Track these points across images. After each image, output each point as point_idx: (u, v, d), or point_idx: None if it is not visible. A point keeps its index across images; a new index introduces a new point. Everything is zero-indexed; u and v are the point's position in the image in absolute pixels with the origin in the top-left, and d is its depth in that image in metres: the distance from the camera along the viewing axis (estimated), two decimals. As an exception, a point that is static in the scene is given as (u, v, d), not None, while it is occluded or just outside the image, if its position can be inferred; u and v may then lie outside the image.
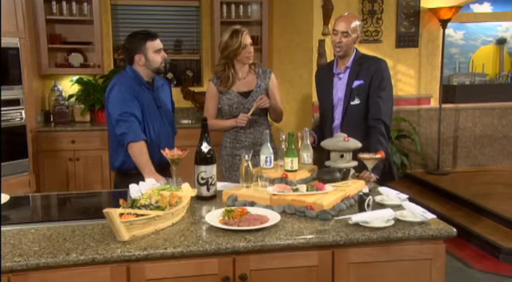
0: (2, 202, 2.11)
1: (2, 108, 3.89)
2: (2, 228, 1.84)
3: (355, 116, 2.73)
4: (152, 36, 2.61)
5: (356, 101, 2.72)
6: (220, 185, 2.32)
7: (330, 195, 2.07)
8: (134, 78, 2.64)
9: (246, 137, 3.02)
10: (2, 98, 3.89)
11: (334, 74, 2.81)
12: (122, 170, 2.68)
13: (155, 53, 2.60)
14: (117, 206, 1.82)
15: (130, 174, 2.56)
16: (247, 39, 2.92)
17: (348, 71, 2.76)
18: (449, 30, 5.48)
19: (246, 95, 2.99)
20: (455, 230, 1.84)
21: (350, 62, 2.76)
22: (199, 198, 2.18)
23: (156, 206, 1.84)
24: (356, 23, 2.69)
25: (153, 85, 2.71)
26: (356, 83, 2.72)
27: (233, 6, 5.00)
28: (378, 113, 2.66)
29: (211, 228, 1.82)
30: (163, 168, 2.53)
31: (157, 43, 2.61)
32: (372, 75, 2.70)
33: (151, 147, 2.55)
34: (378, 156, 2.26)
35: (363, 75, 2.72)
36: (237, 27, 2.97)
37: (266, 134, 2.38)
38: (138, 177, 2.35)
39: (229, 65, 2.97)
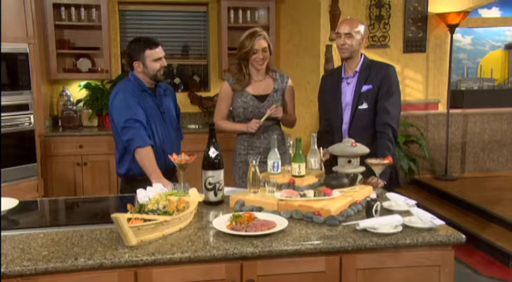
0: (10, 207, 2.13)
1: (11, 114, 3.94)
2: (11, 233, 1.86)
3: (363, 120, 2.73)
4: (152, 44, 2.60)
5: (364, 105, 2.72)
6: (227, 190, 2.33)
7: (338, 200, 2.07)
8: (136, 85, 2.65)
9: (260, 143, 2.99)
10: (12, 103, 3.93)
11: (343, 79, 2.82)
12: (127, 177, 2.69)
13: (154, 61, 2.60)
14: (125, 211, 1.83)
15: (136, 180, 2.57)
16: (260, 44, 2.87)
17: (357, 75, 2.76)
18: (457, 35, 5.47)
19: (262, 98, 2.96)
20: (464, 236, 1.84)
21: (359, 66, 2.76)
22: (206, 204, 2.19)
23: (163, 211, 1.84)
24: (359, 26, 2.70)
25: (156, 91, 2.72)
26: (365, 87, 2.72)
27: (240, 11, 5.02)
28: (386, 118, 2.66)
29: (219, 234, 1.83)
30: (168, 173, 2.54)
31: (157, 52, 2.60)
32: (380, 80, 2.70)
33: (156, 152, 2.55)
34: (386, 161, 2.25)
35: (371, 80, 2.72)
36: (257, 29, 2.95)
37: (274, 140, 2.38)
38: (144, 182, 2.35)
39: (244, 65, 2.95)
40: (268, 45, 2.93)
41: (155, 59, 2.59)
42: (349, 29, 2.67)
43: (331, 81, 2.89)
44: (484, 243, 3.96)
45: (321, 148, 2.47)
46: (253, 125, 2.90)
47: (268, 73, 3.02)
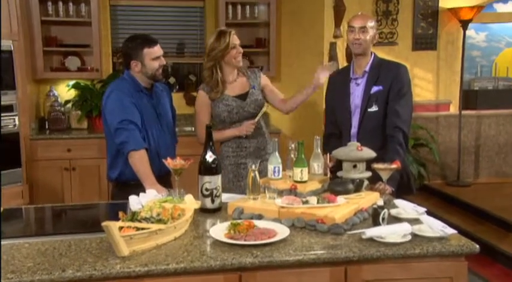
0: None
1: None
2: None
3: (372, 123, 2.73)
4: (150, 42, 2.62)
5: (374, 108, 2.72)
6: (225, 197, 2.34)
7: (342, 208, 2.08)
8: (132, 84, 2.67)
9: (249, 143, 3.02)
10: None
11: (351, 79, 2.82)
12: (119, 181, 2.70)
13: (152, 60, 2.62)
14: (116, 218, 1.83)
15: (129, 185, 2.58)
16: (236, 40, 2.94)
17: (366, 76, 2.77)
18: (470, 32, 5.47)
19: (243, 97, 2.99)
20: (477, 246, 1.84)
21: (368, 66, 2.77)
22: (203, 211, 2.19)
23: (157, 219, 1.85)
24: (372, 22, 2.74)
25: (152, 91, 2.73)
26: (375, 88, 2.73)
27: (239, 7, 5.04)
28: (397, 121, 2.67)
29: (216, 243, 1.83)
30: (163, 178, 2.55)
31: (155, 50, 2.62)
32: (391, 81, 2.71)
33: (150, 157, 2.56)
34: (393, 166, 2.26)
35: (381, 81, 2.73)
36: (223, 28, 3.04)
37: (274, 143, 2.39)
38: (136, 188, 2.36)
39: (217, 69, 2.94)
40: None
41: (154, 57, 2.61)
42: (363, 23, 2.69)
43: (339, 81, 2.89)
44: (501, 254, 3.95)
45: (328, 153, 2.48)
46: (249, 127, 2.93)
47: (239, 72, 3.06)
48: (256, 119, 2.94)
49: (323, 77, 2.87)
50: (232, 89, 3.00)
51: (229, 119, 2.99)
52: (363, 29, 2.69)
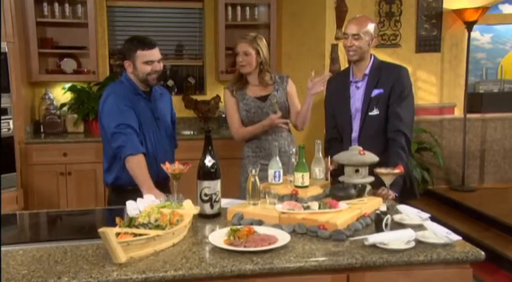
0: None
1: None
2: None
3: (374, 127, 2.74)
4: (145, 45, 2.62)
5: (375, 112, 2.73)
6: (224, 202, 2.34)
7: (344, 213, 2.08)
8: (129, 87, 2.67)
9: (269, 144, 3.10)
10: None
11: (351, 82, 2.83)
12: (116, 186, 2.70)
13: (144, 63, 2.62)
14: (113, 224, 1.83)
15: (126, 190, 2.58)
16: (241, 47, 3.09)
17: (366, 78, 2.78)
18: (475, 33, 5.49)
19: (263, 99, 3.14)
20: (483, 253, 1.84)
21: (368, 69, 2.77)
22: (202, 217, 2.20)
23: (155, 224, 1.85)
24: (369, 26, 2.71)
25: (151, 94, 2.74)
26: (375, 91, 2.74)
27: (239, 8, 5.05)
28: (399, 124, 2.67)
29: (215, 249, 1.83)
30: (161, 183, 2.55)
31: (150, 54, 2.62)
32: (392, 84, 2.72)
33: (148, 161, 2.57)
34: (397, 171, 2.26)
35: (382, 84, 2.73)
36: (251, 33, 3.19)
37: (275, 147, 2.40)
38: (134, 193, 2.36)
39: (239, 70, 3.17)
40: (257, 51, 3.09)
41: (146, 61, 2.61)
42: (357, 30, 2.69)
43: (339, 85, 2.90)
44: (507, 261, 3.95)
45: (329, 157, 2.49)
46: (276, 119, 3.01)
47: (264, 80, 3.15)
48: (277, 114, 3.03)
49: (315, 92, 2.99)
50: (254, 91, 3.16)
51: (247, 119, 3.13)
52: (356, 37, 2.69)
